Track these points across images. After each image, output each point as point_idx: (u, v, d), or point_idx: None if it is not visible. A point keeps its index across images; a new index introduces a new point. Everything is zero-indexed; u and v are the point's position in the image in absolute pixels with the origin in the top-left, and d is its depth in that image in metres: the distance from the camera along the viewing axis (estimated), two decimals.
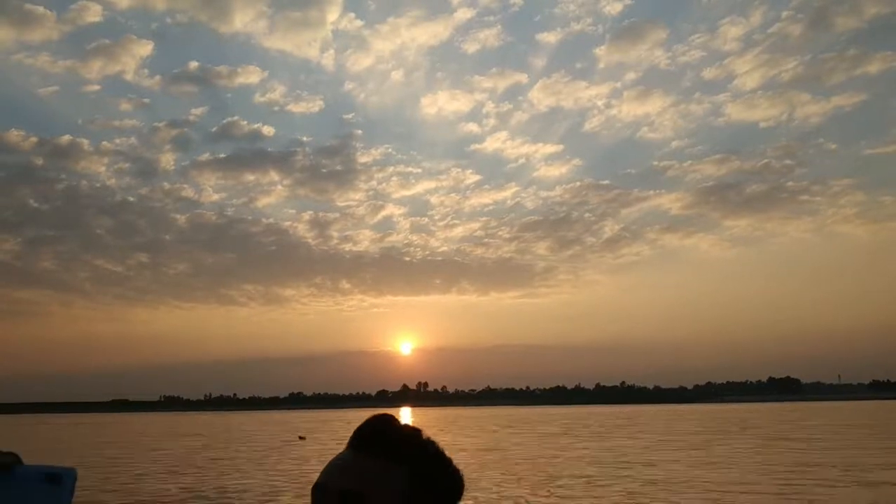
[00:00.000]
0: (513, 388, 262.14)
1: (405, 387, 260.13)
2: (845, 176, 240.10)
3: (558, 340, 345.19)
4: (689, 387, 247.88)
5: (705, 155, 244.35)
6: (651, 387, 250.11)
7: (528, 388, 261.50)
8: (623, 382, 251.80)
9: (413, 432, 1.04)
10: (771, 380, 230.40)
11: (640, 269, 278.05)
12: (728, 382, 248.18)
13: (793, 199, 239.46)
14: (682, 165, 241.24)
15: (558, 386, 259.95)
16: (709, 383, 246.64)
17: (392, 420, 1.05)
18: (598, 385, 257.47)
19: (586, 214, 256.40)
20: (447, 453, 1.08)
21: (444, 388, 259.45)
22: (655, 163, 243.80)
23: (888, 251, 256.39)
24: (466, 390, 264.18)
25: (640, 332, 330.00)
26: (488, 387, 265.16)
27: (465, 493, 1.07)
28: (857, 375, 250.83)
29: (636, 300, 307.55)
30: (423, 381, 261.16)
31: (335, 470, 0.99)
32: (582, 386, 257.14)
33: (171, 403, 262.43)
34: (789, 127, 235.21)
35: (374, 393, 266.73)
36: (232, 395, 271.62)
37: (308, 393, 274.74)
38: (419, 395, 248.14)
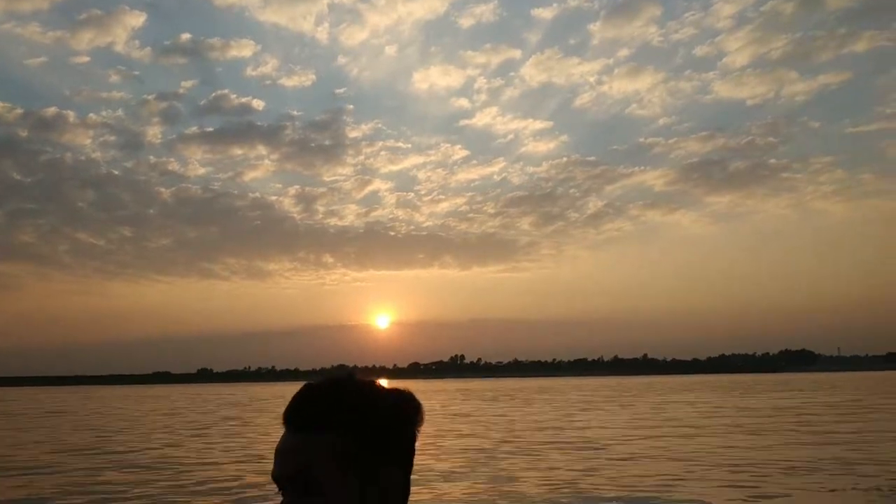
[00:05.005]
0: (540, 361, 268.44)
1: (442, 360, 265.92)
2: (827, 154, 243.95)
3: (539, 314, 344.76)
4: (703, 359, 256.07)
5: (691, 132, 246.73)
6: (669, 359, 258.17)
7: (554, 360, 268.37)
8: (645, 355, 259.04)
9: (336, 392, 0.98)
10: (785, 352, 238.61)
11: (621, 244, 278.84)
12: (734, 354, 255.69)
13: (774, 177, 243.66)
14: (667, 142, 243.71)
15: (581, 359, 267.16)
16: (722, 355, 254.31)
17: (316, 388, 1.00)
18: (615, 357, 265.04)
19: (571, 190, 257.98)
20: (381, 387, 1.03)
21: (479, 360, 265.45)
22: (642, 139, 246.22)
23: (865, 229, 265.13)
24: (494, 362, 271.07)
25: (624, 306, 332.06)
26: (515, 359, 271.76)
27: (421, 412, 1.04)
28: (852, 347, 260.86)
29: (617, 275, 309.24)
30: (459, 353, 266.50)
31: (278, 456, 0.97)
32: (604, 358, 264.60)
33: (162, 378, 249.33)
34: (775, 105, 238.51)
35: (406, 365, 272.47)
36: (252, 368, 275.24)
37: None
38: (457, 368, 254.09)
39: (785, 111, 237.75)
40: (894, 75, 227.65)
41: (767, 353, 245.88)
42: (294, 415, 0.98)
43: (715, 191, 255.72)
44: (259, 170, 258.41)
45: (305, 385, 1.01)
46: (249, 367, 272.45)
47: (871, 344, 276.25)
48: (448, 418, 28.86)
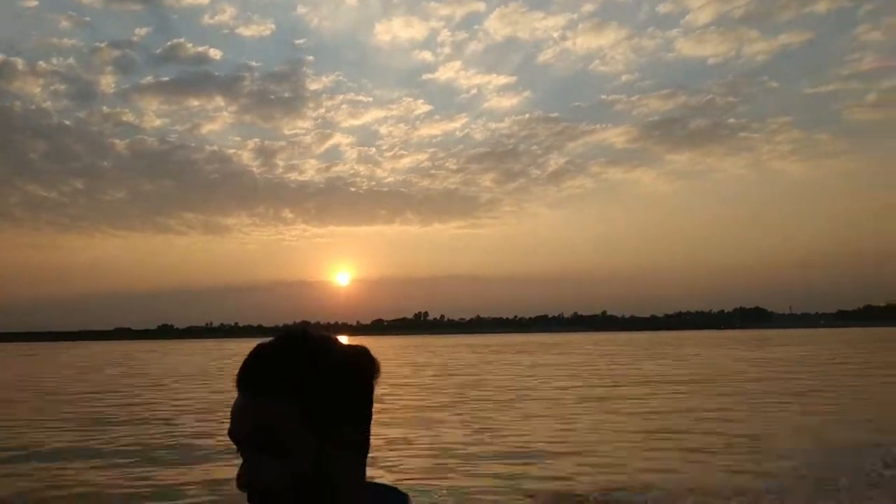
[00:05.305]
0: (501, 317, 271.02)
1: (406, 317, 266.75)
2: (785, 114, 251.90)
3: (500, 271, 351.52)
4: (660, 315, 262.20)
5: (653, 90, 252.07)
6: (628, 316, 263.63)
7: (516, 316, 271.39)
8: (605, 311, 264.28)
9: (292, 352, 0.96)
10: (739, 309, 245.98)
11: (582, 201, 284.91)
12: (690, 311, 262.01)
13: (733, 136, 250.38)
14: (629, 100, 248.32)
15: (542, 315, 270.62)
16: (679, 312, 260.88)
17: (270, 348, 0.97)
18: (576, 314, 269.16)
19: (533, 147, 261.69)
20: (336, 343, 1.00)
21: (442, 316, 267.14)
22: (604, 96, 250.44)
23: (820, 189, 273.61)
24: (457, 319, 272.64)
25: (584, 263, 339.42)
26: (478, 316, 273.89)
27: (377, 366, 1.01)
28: (802, 305, 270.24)
29: (577, 232, 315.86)
30: (423, 310, 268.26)
31: (237, 418, 0.95)
32: (564, 315, 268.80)
33: (123, 334, 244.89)
34: (736, 64, 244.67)
35: (369, 322, 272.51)
36: (209, 324, 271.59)
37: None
38: (421, 324, 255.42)
39: (745, 70, 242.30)
40: (852, 36, 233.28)
41: (722, 311, 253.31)
42: (250, 377, 0.95)
43: (675, 149, 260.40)
44: (217, 122, 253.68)
45: (258, 345, 0.98)
46: (211, 323, 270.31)
47: (822, 302, 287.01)
48: (534, 369, 29.83)
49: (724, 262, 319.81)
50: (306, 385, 0.93)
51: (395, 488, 1.03)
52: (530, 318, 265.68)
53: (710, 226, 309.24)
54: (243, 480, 0.92)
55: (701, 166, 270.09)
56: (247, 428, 0.93)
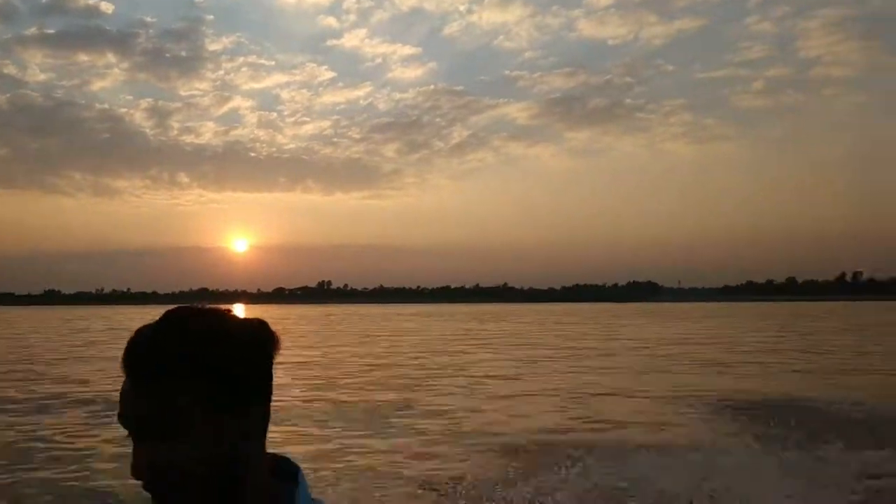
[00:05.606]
0: (405, 287, 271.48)
1: (309, 286, 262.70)
2: (678, 97, 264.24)
3: (403, 242, 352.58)
4: (558, 288, 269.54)
5: (555, 67, 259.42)
6: (527, 288, 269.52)
7: (419, 287, 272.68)
8: (505, 283, 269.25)
9: (185, 332, 0.89)
10: (632, 283, 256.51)
11: (483, 175, 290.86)
12: (587, 284, 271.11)
13: (629, 116, 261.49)
14: (532, 76, 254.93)
15: (444, 286, 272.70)
16: (576, 285, 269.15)
17: (163, 330, 0.90)
18: (477, 285, 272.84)
19: (437, 119, 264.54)
20: (233, 319, 0.94)
21: (345, 285, 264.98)
22: (508, 72, 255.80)
23: (708, 171, 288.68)
24: (360, 288, 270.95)
25: (485, 236, 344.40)
26: (381, 286, 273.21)
27: (276, 340, 0.95)
28: (690, 280, 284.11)
29: (478, 205, 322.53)
30: (325, 279, 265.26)
31: (128, 404, 0.89)
32: (466, 286, 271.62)
33: (4, 299, 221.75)
34: (634, 46, 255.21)
35: (271, 290, 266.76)
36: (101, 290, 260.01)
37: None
38: (325, 293, 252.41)
39: (642, 53, 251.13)
40: (744, 24, 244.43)
41: (616, 284, 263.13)
42: (138, 361, 0.89)
43: (574, 126, 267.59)
44: (107, 79, 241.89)
45: (144, 327, 0.92)
46: (102, 289, 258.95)
47: (708, 277, 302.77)
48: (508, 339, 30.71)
49: (619, 238, 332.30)
50: (201, 365, 0.88)
51: (287, 458, 0.99)
52: (433, 289, 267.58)
53: (606, 202, 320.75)
54: (139, 468, 0.88)
55: (599, 144, 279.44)
56: (139, 414, 0.87)
